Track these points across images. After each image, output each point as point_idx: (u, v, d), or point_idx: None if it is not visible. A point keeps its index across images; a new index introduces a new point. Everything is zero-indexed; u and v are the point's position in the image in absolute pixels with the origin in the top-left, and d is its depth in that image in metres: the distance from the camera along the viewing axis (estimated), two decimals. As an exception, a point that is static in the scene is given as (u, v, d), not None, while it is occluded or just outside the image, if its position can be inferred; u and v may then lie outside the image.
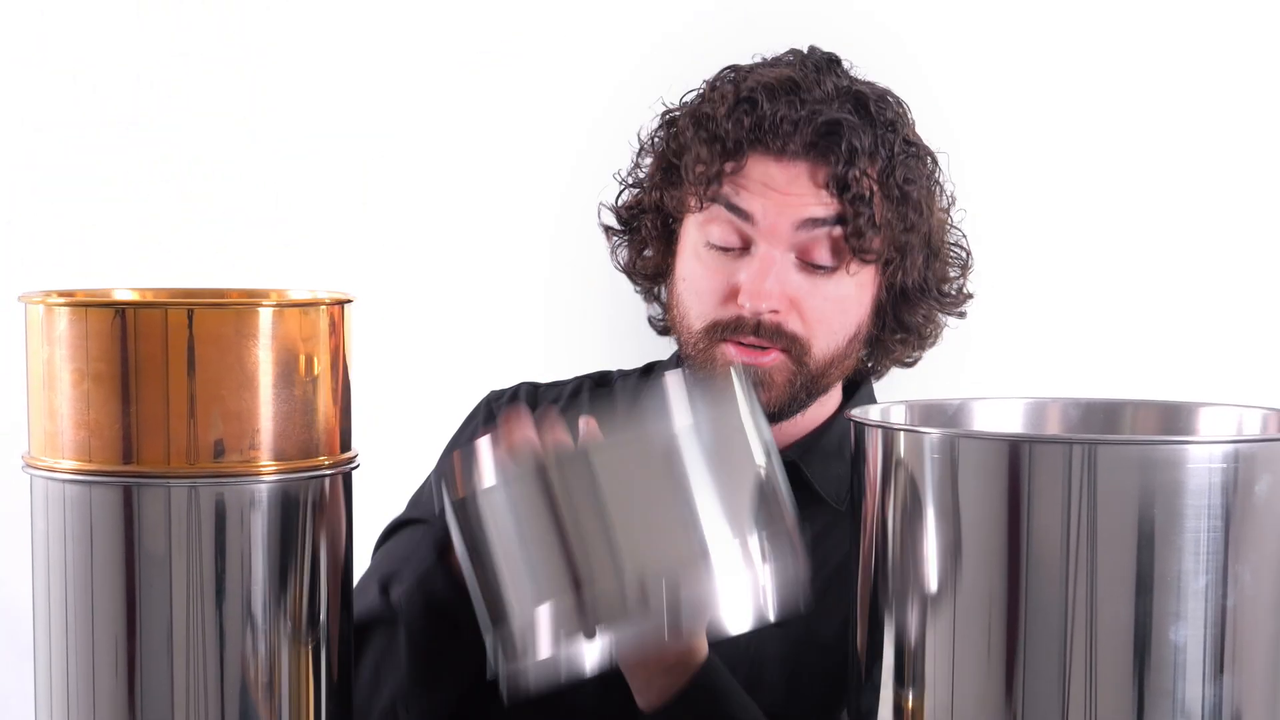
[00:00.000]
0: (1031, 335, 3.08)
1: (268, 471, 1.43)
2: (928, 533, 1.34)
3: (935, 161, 1.81)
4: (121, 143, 3.24)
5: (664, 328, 1.89)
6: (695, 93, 1.81)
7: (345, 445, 1.51)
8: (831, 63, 1.77)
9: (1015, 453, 1.30)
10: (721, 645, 1.73)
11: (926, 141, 1.80)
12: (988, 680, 1.32)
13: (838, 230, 1.69)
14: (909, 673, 1.37)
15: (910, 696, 1.37)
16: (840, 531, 1.75)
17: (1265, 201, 3.09)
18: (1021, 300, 3.08)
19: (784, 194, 1.70)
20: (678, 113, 1.81)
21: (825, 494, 1.79)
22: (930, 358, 2.98)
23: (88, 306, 1.40)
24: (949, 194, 1.84)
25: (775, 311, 1.70)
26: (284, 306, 1.44)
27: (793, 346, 1.72)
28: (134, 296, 1.55)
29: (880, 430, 1.40)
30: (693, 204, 1.75)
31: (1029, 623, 1.30)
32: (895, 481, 1.37)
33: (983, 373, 2.96)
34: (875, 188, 1.71)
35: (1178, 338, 3.07)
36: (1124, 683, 1.29)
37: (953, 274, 1.85)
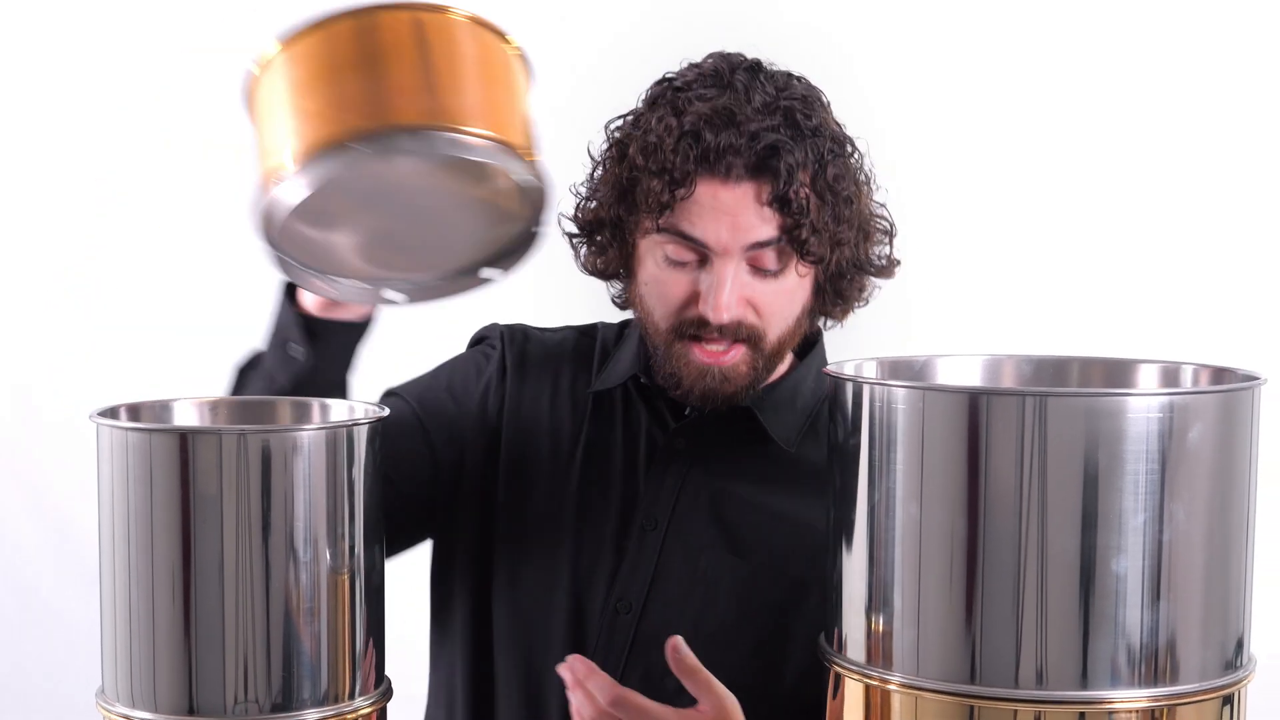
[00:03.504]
0: (991, 298, 3.13)
1: (308, 424, 1.48)
2: (897, 474, 1.37)
3: (855, 148, 1.81)
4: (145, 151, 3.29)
5: (624, 304, 1.89)
6: (632, 114, 1.81)
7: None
8: (754, 71, 1.77)
9: (975, 404, 1.33)
10: (676, 569, 1.80)
11: (852, 126, 1.81)
12: (950, 606, 1.34)
13: (793, 245, 1.71)
14: (879, 599, 1.39)
15: (881, 620, 1.39)
16: (794, 470, 1.82)
17: (1201, 177, 3.13)
18: (983, 267, 3.13)
19: (733, 217, 1.71)
20: (622, 136, 1.81)
21: (776, 436, 1.83)
22: (903, 320, 3.02)
23: None
24: (870, 175, 1.84)
25: (737, 318, 1.73)
26: None
27: (750, 337, 1.75)
28: None
29: (857, 384, 1.42)
30: (649, 227, 1.76)
31: (987, 555, 1.32)
32: (869, 429, 1.39)
33: (948, 332, 3.01)
34: (810, 194, 1.73)
35: (1121, 301, 3.12)
36: (1071, 609, 1.32)
37: (881, 248, 1.86)
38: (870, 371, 1.58)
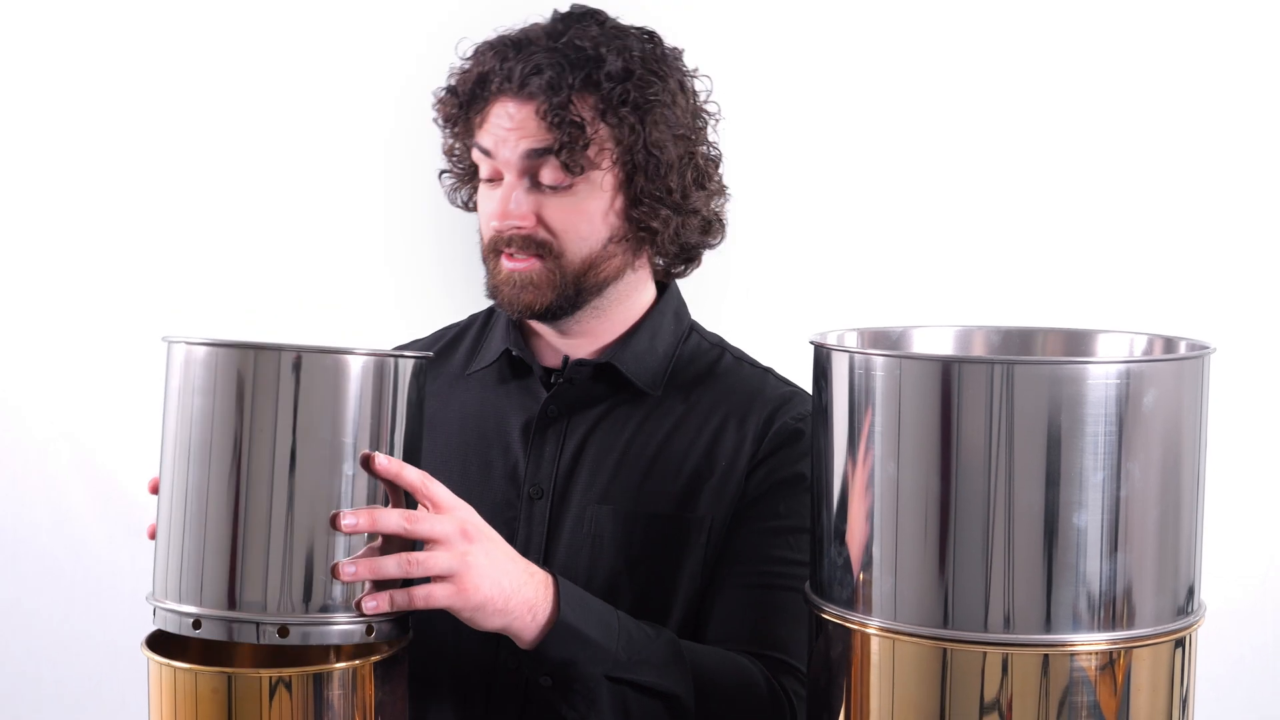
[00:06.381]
0: (963, 273, 3.16)
1: (360, 348, 1.53)
2: (876, 436, 1.39)
3: (682, 86, 1.85)
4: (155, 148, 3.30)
5: None
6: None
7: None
8: (586, 17, 1.84)
9: (948, 371, 1.36)
10: (565, 532, 1.82)
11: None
12: (924, 557, 1.38)
13: (560, 155, 1.77)
14: (860, 550, 1.42)
15: (861, 570, 1.42)
16: (658, 417, 1.86)
17: (1160, 160, 3.16)
18: (956, 243, 3.17)
19: (512, 129, 1.78)
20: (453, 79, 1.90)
21: (640, 384, 1.88)
22: (883, 296, 3.06)
23: None
24: (708, 113, 1.89)
25: (520, 227, 1.80)
26: None
27: (545, 253, 1.81)
28: None
29: (839, 353, 1.44)
30: (471, 150, 1.85)
31: (958, 510, 1.36)
32: (850, 394, 1.42)
33: (924, 304, 3.05)
34: (592, 115, 1.77)
35: (1083, 275, 3.15)
36: (1035, 559, 1.35)
37: (702, 191, 1.88)
38: (851, 341, 1.60)
